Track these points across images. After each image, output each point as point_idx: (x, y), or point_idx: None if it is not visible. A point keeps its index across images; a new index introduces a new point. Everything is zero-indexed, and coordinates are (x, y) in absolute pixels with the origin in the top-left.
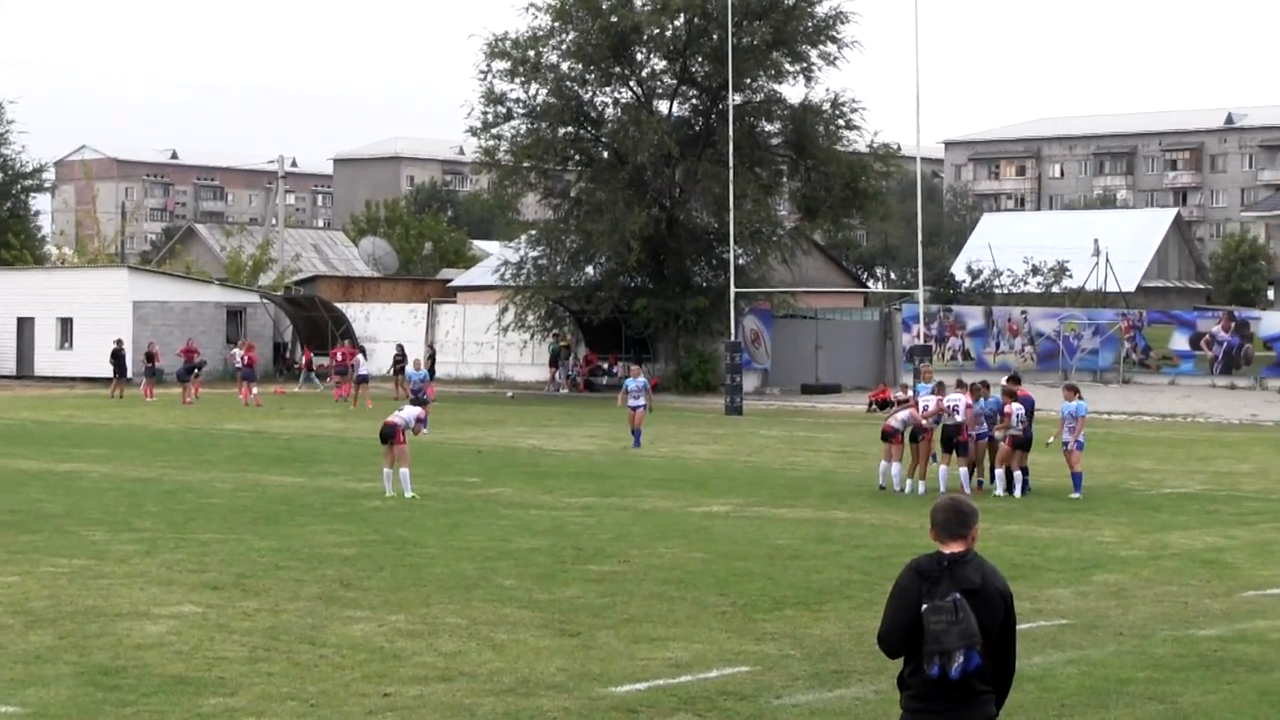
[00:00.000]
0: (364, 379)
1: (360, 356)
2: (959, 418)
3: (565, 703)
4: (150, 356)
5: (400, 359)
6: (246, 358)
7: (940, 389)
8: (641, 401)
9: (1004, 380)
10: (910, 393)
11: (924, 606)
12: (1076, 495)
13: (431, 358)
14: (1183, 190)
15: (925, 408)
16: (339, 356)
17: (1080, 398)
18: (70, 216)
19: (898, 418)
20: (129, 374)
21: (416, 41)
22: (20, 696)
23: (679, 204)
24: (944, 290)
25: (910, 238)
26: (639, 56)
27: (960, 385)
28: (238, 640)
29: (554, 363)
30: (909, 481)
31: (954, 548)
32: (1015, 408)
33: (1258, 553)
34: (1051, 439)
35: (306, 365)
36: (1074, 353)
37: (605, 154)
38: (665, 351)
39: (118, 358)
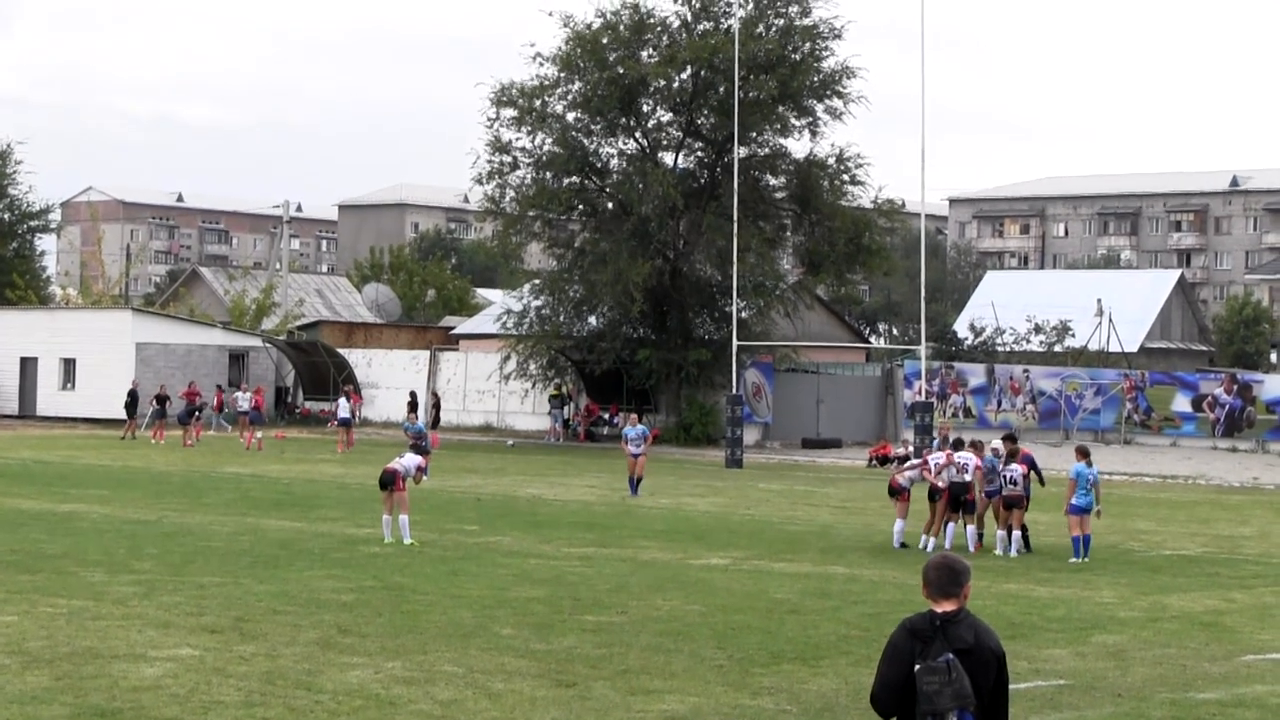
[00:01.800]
0: (346, 422)
1: (343, 400)
2: (968, 476)
3: None
4: (160, 400)
5: (415, 405)
6: (254, 401)
7: (957, 446)
8: (641, 449)
9: (999, 439)
10: (910, 448)
11: (917, 666)
12: (1074, 559)
13: (436, 405)
14: (1187, 252)
15: (935, 464)
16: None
17: (1079, 460)
18: (75, 257)
19: (905, 475)
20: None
21: (423, 89)
22: None
23: (683, 256)
24: (946, 347)
25: (913, 294)
26: (645, 108)
27: (973, 445)
28: (234, 684)
29: (553, 412)
30: (924, 537)
31: (946, 606)
32: (1010, 468)
33: (1257, 616)
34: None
35: (217, 408)
36: (1076, 412)
37: (610, 205)
38: (666, 403)
39: (133, 399)
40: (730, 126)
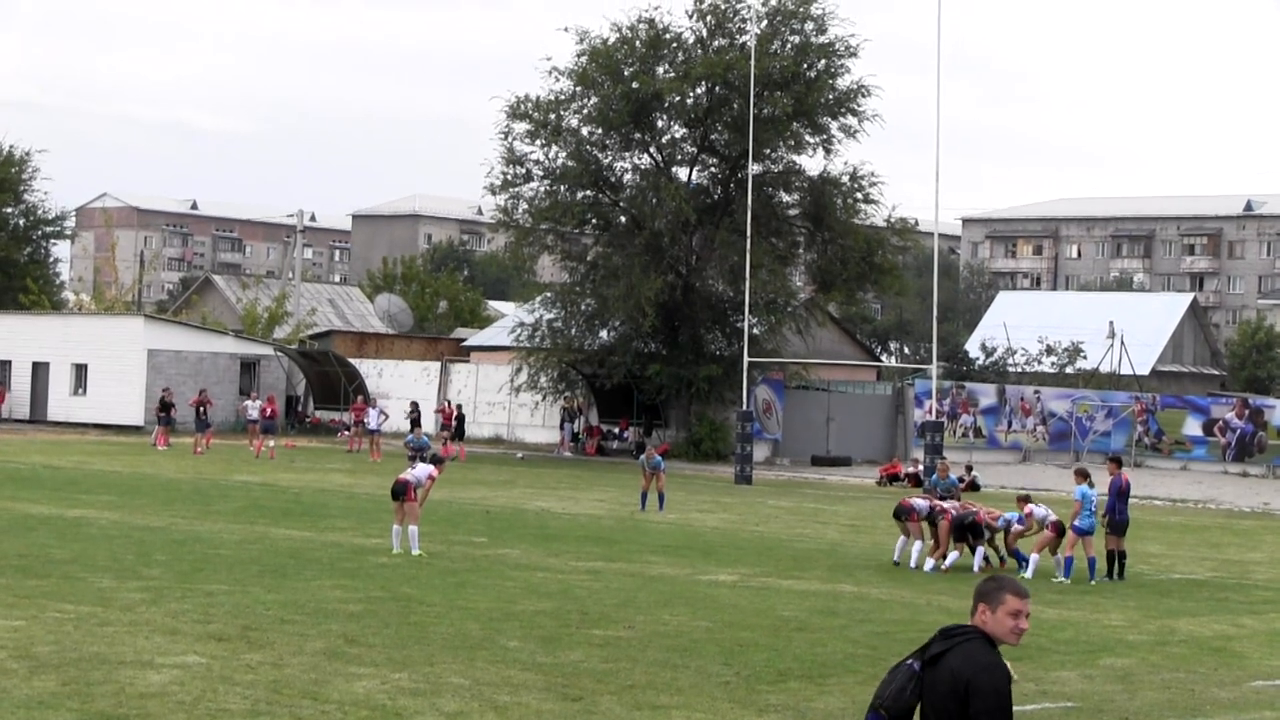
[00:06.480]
0: (375, 432)
1: (374, 410)
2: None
3: None
4: (166, 405)
5: (415, 416)
6: (269, 410)
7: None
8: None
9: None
10: (920, 467)
11: None
12: (1060, 579)
13: (460, 418)
14: (1200, 275)
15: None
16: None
17: (1080, 481)
18: (89, 264)
19: (917, 500)
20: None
21: (438, 100)
22: None
23: (695, 271)
24: (957, 367)
25: (925, 313)
26: (659, 123)
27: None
28: (240, 693)
29: (564, 425)
30: (929, 560)
31: (969, 621)
32: (1037, 510)
33: (1267, 642)
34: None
35: None
36: (1086, 434)
37: (623, 219)
38: (677, 418)
39: (165, 407)
40: (744, 143)
